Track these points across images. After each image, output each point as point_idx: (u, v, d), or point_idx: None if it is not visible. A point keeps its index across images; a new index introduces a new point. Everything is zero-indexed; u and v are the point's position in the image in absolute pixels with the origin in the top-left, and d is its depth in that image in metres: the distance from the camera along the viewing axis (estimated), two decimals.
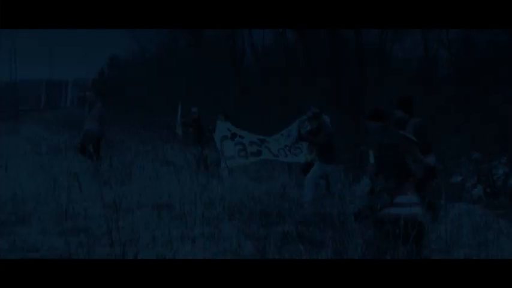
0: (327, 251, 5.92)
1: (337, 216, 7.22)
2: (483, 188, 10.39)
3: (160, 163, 13.49)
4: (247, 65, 37.49)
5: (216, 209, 7.92)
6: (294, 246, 6.01)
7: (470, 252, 6.23)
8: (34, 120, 37.65)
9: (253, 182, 11.43)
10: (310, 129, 9.86)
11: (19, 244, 6.38)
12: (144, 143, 19.03)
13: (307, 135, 9.82)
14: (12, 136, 21.50)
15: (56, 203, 7.98)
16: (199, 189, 8.57)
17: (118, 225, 6.49)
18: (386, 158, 6.26)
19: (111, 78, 60.37)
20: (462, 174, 10.73)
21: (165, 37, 41.95)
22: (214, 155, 12.28)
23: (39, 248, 6.27)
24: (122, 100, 44.10)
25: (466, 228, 7.03)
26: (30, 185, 9.37)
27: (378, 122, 6.40)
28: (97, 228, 6.99)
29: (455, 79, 26.33)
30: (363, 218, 6.25)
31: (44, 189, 8.93)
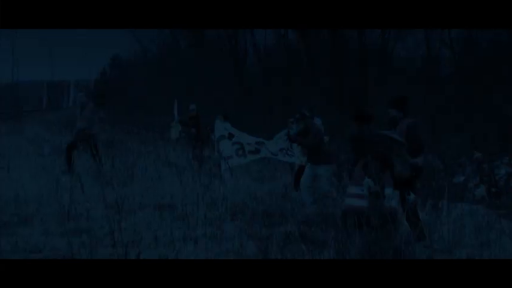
0: (329, 251, 5.91)
1: (339, 217, 7.23)
2: (486, 188, 10.38)
3: (162, 164, 13.49)
4: (250, 65, 37.50)
5: (218, 209, 7.93)
6: (296, 246, 6.01)
7: (472, 252, 6.22)
8: (36, 121, 37.69)
9: (255, 182, 11.45)
10: (298, 131, 9.83)
11: (21, 245, 6.38)
12: (146, 143, 19.04)
13: (296, 136, 9.79)
14: (14, 137, 21.51)
15: (59, 204, 7.99)
16: (202, 189, 8.57)
17: (120, 226, 6.49)
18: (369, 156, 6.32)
19: (113, 78, 60.42)
20: (464, 174, 10.72)
21: (167, 37, 42.01)
22: (216, 155, 12.28)
23: (42, 248, 6.28)
24: (123, 100, 44.13)
25: (469, 228, 7.02)
26: (33, 186, 9.38)
27: (362, 124, 6.47)
28: (99, 229, 7.00)
29: (457, 78, 26.32)
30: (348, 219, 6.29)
31: (46, 190, 8.94)
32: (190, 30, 37.88)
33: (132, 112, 39.92)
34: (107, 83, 59.73)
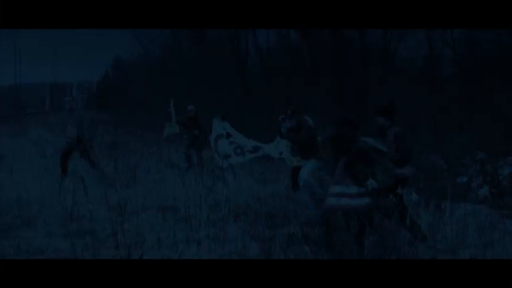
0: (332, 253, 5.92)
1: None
2: (489, 188, 10.36)
3: (165, 165, 13.50)
4: (251, 65, 37.48)
5: (221, 210, 7.92)
6: (299, 247, 6.00)
7: (476, 253, 6.21)
8: (39, 123, 37.71)
9: (258, 183, 11.43)
10: (290, 127, 9.77)
11: (24, 247, 6.38)
12: (149, 145, 19.05)
13: (288, 133, 9.73)
14: (17, 139, 21.54)
15: (61, 205, 7.99)
16: (205, 191, 8.56)
17: (123, 227, 6.49)
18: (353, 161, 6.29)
19: (115, 80, 60.43)
20: (468, 174, 10.70)
21: (168, 37, 41.98)
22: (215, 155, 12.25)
23: (45, 250, 6.28)
24: (126, 102, 44.15)
25: (472, 229, 7.01)
26: (35, 188, 9.39)
27: (343, 128, 6.44)
28: (102, 230, 6.99)
29: (459, 78, 26.29)
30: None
31: (49, 192, 8.94)
32: (192, 30, 37.86)
33: (135, 113, 39.92)
34: (109, 85, 59.73)
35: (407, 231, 6.46)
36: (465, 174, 10.80)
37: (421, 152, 14.76)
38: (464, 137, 19.32)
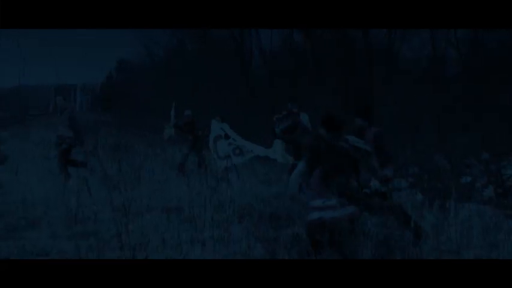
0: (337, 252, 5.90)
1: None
2: (494, 188, 10.34)
3: (169, 166, 13.51)
4: (255, 66, 37.49)
5: (225, 211, 7.93)
6: (303, 248, 6.00)
7: (480, 253, 6.19)
8: (43, 125, 37.78)
9: (262, 184, 11.43)
10: (284, 127, 9.70)
11: (29, 248, 6.40)
12: (153, 146, 19.05)
13: (283, 133, 9.67)
14: (21, 140, 21.57)
15: (66, 207, 8.01)
16: (209, 192, 8.57)
17: (128, 228, 6.50)
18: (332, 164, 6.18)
19: (119, 82, 60.52)
20: (472, 174, 10.68)
21: (172, 38, 42.04)
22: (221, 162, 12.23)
23: (49, 252, 6.30)
24: (129, 103, 44.22)
25: (476, 229, 6.99)
26: (40, 190, 9.42)
27: (331, 131, 6.34)
28: (107, 231, 7.01)
29: (463, 78, 26.24)
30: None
31: (53, 194, 8.97)
32: (195, 31, 37.88)
33: (139, 115, 39.97)
34: (113, 87, 59.82)
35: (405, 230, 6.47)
36: (469, 175, 10.77)
37: (424, 152, 14.76)
38: (468, 137, 19.29)
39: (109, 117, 42.52)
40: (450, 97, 24.08)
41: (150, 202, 8.67)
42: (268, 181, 12.71)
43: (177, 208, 8.34)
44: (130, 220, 7.04)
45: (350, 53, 30.34)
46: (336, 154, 6.13)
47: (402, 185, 10.56)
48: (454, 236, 6.61)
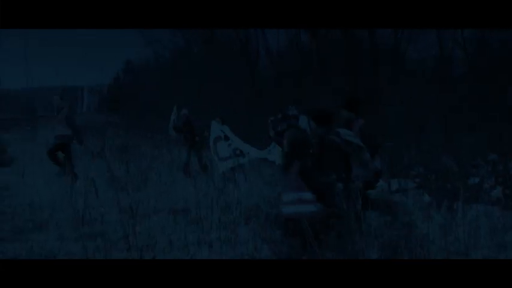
0: (344, 255, 5.89)
1: (353, 219, 7.19)
2: (502, 189, 10.27)
3: (176, 168, 13.51)
4: (262, 67, 37.45)
5: (232, 213, 7.93)
6: (310, 249, 5.98)
7: (488, 254, 6.17)
8: (50, 127, 37.92)
9: (268, 186, 11.42)
10: (279, 130, 9.67)
11: (36, 250, 6.42)
12: (159, 147, 19.07)
13: (277, 136, 9.66)
14: (28, 142, 21.64)
15: (73, 209, 8.02)
16: (216, 193, 8.58)
17: (135, 230, 6.52)
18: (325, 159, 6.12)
19: (126, 83, 60.59)
20: (479, 175, 10.62)
21: (179, 39, 42.05)
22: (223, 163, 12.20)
23: (57, 254, 6.31)
24: (136, 105, 44.28)
25: (484, 230, 6.96)
26: (47, 192, 9.44)
27: (321, 125, 6.29)
28: (114, 233, 7.03)
29: (470, 78, 26.14)
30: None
31: (60, 196, 8.99)
32: (202, 32, 37.90)
33: (146, 116, 40.02)
34: (121, 88, 59.90)
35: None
36: (477, 175, 10.71)
37: (431, 152, 14.70)
38: (475, 137, 19.20)
39: (116, 119, 42.62)
40: (457, 97, 23.98)
41: (157, 204, 8.68)
42: (275, 182, 12.70)
43: (184, 210, 8.35)
44: (138, 222, 7.05)
45: (356, 53, 30.28)
46: (327, 149, 6.08)
47: (409, 185, 10.52)
48: (462, 237, 6.58)
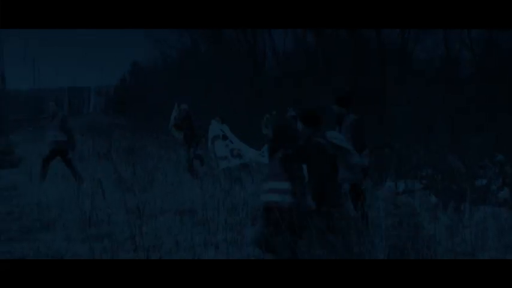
0: (351, 255, 5.87)
1: (361, 220, 7.18)
2: (510, 190, 10.23)
3: (183, 169, 13.51)
4: (269, 67, 37.41)
5: (238, 214, 7.92)
6: (317, 250, 5.97)
7: (496, 256, 6.14)
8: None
9: None
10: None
11: (43, 251, 6.44)
12: (166, 148, 19.09)
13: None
14: (35, 143, 21.69)
15: (80, 209, 8.05)
16: (222, 194, 8.58)
17: (141, 230, 6.53)
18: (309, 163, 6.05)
19: (132, 85, 60.61)
20: (487, 176, 10.59)
21: (186, 40, 42.03)
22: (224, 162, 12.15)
23: (64, 254, 6.33)
24: (143, 106, 44.33)
25: (492, 231, 6.93)
26: (54, 192, 9.48)
27: (309, 126, 6.24)
28: (120, 234, 7.04)
29: (477, 79, 26.06)
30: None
31: (67, 196, 9.02)
32: (208, 33, 37.88)
33: (152, 118, 40.06)
34: (127, 90, 59.91)
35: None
36: (484, 177, 10.67)
37: (438, 153, 14.66)
38: (482, 138, 19.14)
39: (123, 120, 42.66)
40: (464, 98, 23.92)
41: (163, 204, 8.69)
42: None
43: (191, 210, 8.36)
44: (144, 222, 7.07)
45: (363, 53, 30.21)
46: (313, 150, 6.03)
47: (415, 186, 10.49)
48: (469, 238, 6.56)
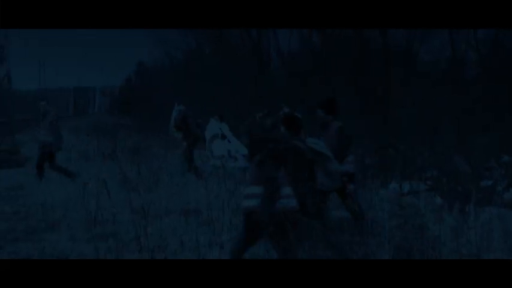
0: (356, 256, 5.88)
1: (365, 222, 7.19)
2: None
3: (188, 169, 13.50)
4: (274, 68, 37.41)
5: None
6: (322, 252, 5.98)
7: (501, 256, 6.13)
8: (62, 127, 38.09)
9: None
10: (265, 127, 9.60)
11: (48, 251, 6.46)
12: (171, 148, 19.10)
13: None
14: None
15: (85, 209, 8.07)
16: (227, 195, 8.57)
17: (146, 231, 6.55)
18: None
19: (138, 85, 60.68)
20: (492, 178, 10.56)
21: (191, 40, 42.04)
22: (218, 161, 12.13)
23: (69, 254, 6.35)
24: (148, 107, 44.40)
25: (497, 232, 6.91)
26: (60, 192, 9.51)
27: (289, 130, 6.23)
28: (125, 234, 7.05)
29: (483, 79, 26.00)
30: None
31: (73, 196, 9.04)
32: (214, 33, 37.88)
33: (157, 118, 40.11)
34: (133, 90, 59.99)
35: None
36: (490, 178, 10.64)
37: (443, 154, 14.63)
38: (488, 139, 19.09)
39: (128, 120, 42.76)
40: (469, 99, 23.87)
41: (168, 205, 8.70)
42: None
43: (196, 211, 8.36)
44: (149, 223, 7.08)
45: (368, 53, 30.18)
46: (292, 153, 6.00)
47: (420, 188, 10.48)
48: (474, 239, 6.55)
